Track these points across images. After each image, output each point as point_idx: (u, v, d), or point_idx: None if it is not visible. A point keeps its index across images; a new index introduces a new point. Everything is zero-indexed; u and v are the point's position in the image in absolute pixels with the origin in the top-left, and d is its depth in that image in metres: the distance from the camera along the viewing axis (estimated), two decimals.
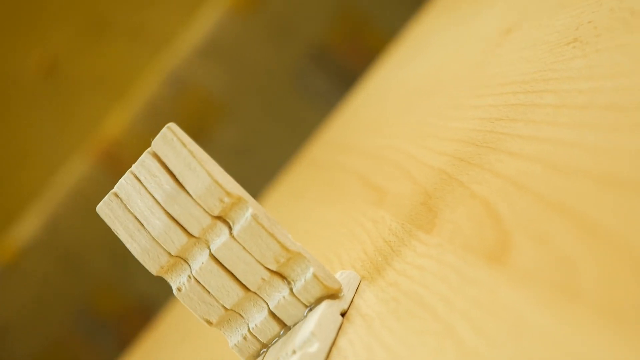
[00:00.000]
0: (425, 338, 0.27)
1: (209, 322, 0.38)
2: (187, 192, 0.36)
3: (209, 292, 0.37)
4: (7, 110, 1.44)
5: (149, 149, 0.36)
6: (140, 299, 1.24)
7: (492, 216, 0.30)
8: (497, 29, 0.48)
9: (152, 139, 0.36)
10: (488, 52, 0.47)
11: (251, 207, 0.36)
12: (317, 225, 0.53)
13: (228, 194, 0.35)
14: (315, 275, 0.35)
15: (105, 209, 0.38)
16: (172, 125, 0.36)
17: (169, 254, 0.37)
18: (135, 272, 1.24)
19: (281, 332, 0.37)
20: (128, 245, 0.38)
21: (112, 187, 1.15)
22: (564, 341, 0.21)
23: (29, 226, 1.26)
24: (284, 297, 0.36)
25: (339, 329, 0.35)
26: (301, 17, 1.25)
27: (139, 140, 1.25)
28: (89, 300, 1.24)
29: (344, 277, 0.37)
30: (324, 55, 1.25)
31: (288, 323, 0.37)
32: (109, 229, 1.15)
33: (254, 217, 0.35)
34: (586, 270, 0.22)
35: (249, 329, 0.38)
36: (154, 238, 0.37)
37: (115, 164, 1.26)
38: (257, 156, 1.19)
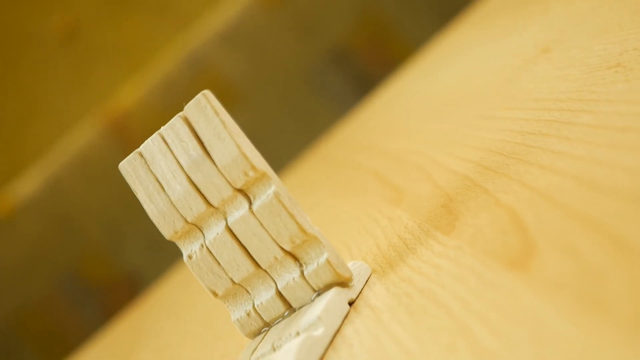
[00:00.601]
0: (437, 335, 0.27)
1: (215, 294, 0.38)
2: (213, 161, 0.36)
3: (219, 264, 0.37)
4: (24, 68, 1.44)
5: (180, 113, 0.36)
6: (129, 272, 1.24)
7: (517, 225, 0.30)
8: (533, 47, 0.48)
9: (185, 104, 0.36)
10: (522, 68, 0.47)
11: (274, 185, 0.36)
12: (326, 217, 0.52)
13: (253, 167, 0.35)
14: (328, 261, 0.35)
15: (128, 167, 0.38)
16: (207, 92, 0.36)
17: (185, 220, 0.37)
18: (127, 245, 1.24)
19: (285, 313, 0.37)
20: (145, 206, 0.38)
21: (117, 157, 1.16)
22: (587, 351, 0.21)
23: (29, 185, 1.26)
24: (293, 278, 0.36)
25: (345, 317, 0.35)
26: (326, 16, 1.25)
27: (149, 115, 1.25)
28: (78, 266, 1.24)
29: (355, 268, 0.37)
30: (344, 56, 1.25)
31: (294, 305, 0.37)
32: (108, 198, 1.16)
33: (276, 194, 0.35)
34: (614, 285, 0.22)
35: (253, 306, 0.37)
36: (172, 202, 0.37)
37: (122, 135, 1.25)
38: (268, 146, 1.19)
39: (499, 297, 0.26)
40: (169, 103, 1.25)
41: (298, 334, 0.34)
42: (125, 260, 1.23)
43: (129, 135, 1.25)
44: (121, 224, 1.24)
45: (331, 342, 0.34)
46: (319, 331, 0.34)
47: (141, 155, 0.38)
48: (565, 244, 0.26)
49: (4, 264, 1.24)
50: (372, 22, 1.25)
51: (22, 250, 1.24)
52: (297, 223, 0.35)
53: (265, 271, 0.37)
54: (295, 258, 0.36)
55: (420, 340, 0.28)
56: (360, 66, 1.25)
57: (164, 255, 1.22)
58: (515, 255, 0.28)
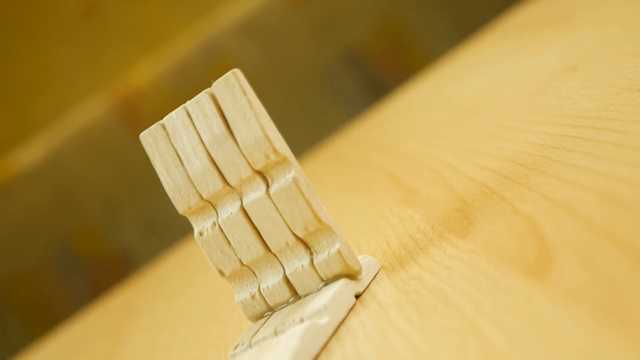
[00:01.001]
0: (447, 333, 0.27)
1: (222, 273, 0.38)
2: (235, 140, 0.36)
3: (229, 244, 0.37)
4: (40, 37, 1.44)
5: (208, 89, 0.36)
6: (122, 251, 1.24)
7: (535, 233, 0.30)
8: (559, 65, 0.48)
9: (213, 81, 0.36)
10: (547, 85, 0.47)
11: (294, 170, 0.36)
12: (335, 212, 0.52)
13: (275, 151, 0.35)
14: (339, 252, 0.35)
15: (149, 137, 0.38)
16: (237, 71, 0.36)
17: (201, 196, 0.37)
18: (123, 224, 1.23)
19: (290, 300, 0.37)
20: (162, 179, 0.38)
21: (123, 136, 1.16)
22: None
23: (32, 153, 1.26)
24: (302, 265, 0.36)
25: (351, 309, 0.35)
26: (346, 18, 1.25)
27: (160, 97, 1.25)
28: (71, 239, 1.24)
29: (364, 262, 0.37)
30: (360, 59, 1.25)
31: (299, 292, 0.37)
32: (109, 175, 1.16)
33: (295, 180, 0.35)
34: (633, 298, 0.22)
35: (259, 289, 0.37)
36: (189, 177, 0.37)
37: (131, 114, 1.25)
38: None
39: (512, 301, 0.26)
40: (180, 87, 1.25)
41: (302, 320, 0.34)
42: (120, 239, 1.23)
43: (137, 115, 1.25)
44: (120, 202, 1.24)
45: (335, 332, 0.34)
46: (324, 320, 0.34)
47: (163, 127, 0.38)
48: (584, 256, 0.26)
49: None
50: (391, 29, 1.25)
51: (18, 217, 1.24)
52: (312, 211, 0.35)
53: (275, 255, 0.37)
54: (307, 245, 0.36)
55: (429, 338, 0.28)
56: (375, 71, 1.25)
57: (159, 238, 1.22)
58: (532, 262, 0.28)
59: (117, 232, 1.24)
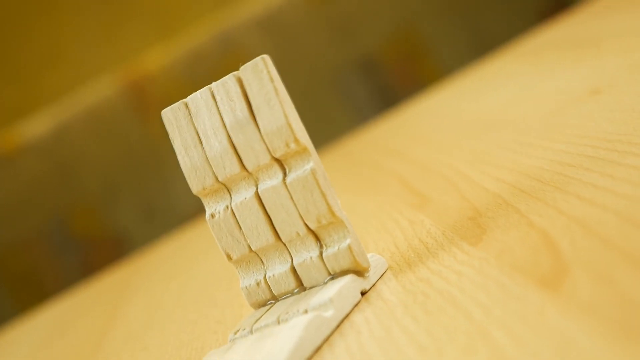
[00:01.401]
0: (454, 335, 0.27)
1: (229, 257, 0.38)
2: (257, 126, 0.36)
3: (240, 228, 0.37)
4: (56, 11, 1.44)
5: (235, 72, 0.36)
6: (117, 233, 1.24)
7: (550, 247, 0.30)
8: (582, 87, 0.49)
9: (242, 65, 0.36)
10: (568, 105, 0.47)
11: (313, 161, 0.36)
12: (343, 210, 0.52)
13: (296, 140, 0.35)
14: (350, 247, 0.35)
15: (171, 115, 0.38)
16: (266, 57, 0.36)
17: (216, 178, 0.37)
18: (121, 206, 1.23)
19: (295, 290, 0.37)
20: (179, 157, 0.38)
21: (130, 118, 1.15)
22: None
23: (37, 127, 1.26)
24: (311, 257, 0.36)
25: (355, 305, 0.35)
26: (364, 24, 1.25)
27: (171, 83, 1.25)
28: (68, 216, 1.23)
29: (372, 260, 0.37)
30: (373, 66, 1.25)
31: (305, 284, 0.37)
32: (112, 156, 1.16)
33: (313, 171, 0.35)
34: None
35: (265, 277, 0.37)
36: (207, 158, 0.37)
37: (140, 97, 1.25)
38: None
39: (524, 310, 0.26)
40: (192, 75, 1.25)
41: (306, 311, 0.34)
42: (116, 221, 1.23)
43: (146, 99, 1.25)
44: (120, 184, 1.24)
45: (338, 326, 0.34)
46: (329, 313, 0.34)
47: (186, 105, 0.38)
48: (600, 272, 0.26)
49: None
50: (407, 39, 1.25)
51: (16, 189, 1.24)
52: (327, 204, 0.35)
53: (285, 245, 0.37)
54: (317, 238, 0.36)
55: (436, 338, 0.28)
56: (387, 79, 1.26)
57: (155, 223, 1.22)
58: (546, 274, 0.28)
59: (113, 213, 1.23)
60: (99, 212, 1.24)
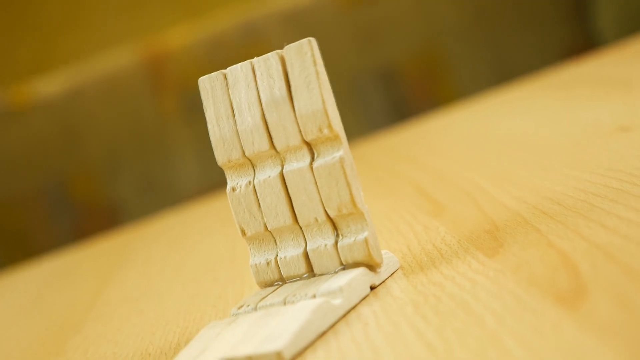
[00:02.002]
0: (465, 339, 0.27)
1: (243, 232, 0.38)
2: (293, 107, 0.36)
3: (259, 206, 0.37)
4: None
5: (278, 50, 0.36)
6: (113, 204, 1.23)
7: (570, 268, 0.30)
8: (610, 122, 0.49)
9: (287, 44, 0.36)
10: (595, 138, 0.47)
11: (343, 150, 0.36)
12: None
13: (330, 126, 0.35)
14: (366, 241, 0.36)
15: (207, 83, 0.38)
16: (312, 40, 0.36)
17: (243, 153, 0.37)
18: (121, 178, 1.23)
19: (304, 275, 0.37)
20: (210, 126, 0.38)
21: (144, 92, 1.15)
22: None
23: (50, 87, 1.25)
24: (326, 245, 0.36)
25: (363, 298, 0.35)
26: (389, 36, 1.25)
27: (189, 63, 1.24)
28: (67, 179, 1.23)
29: (385, 258, 0.37)
30: (392, 78, 1.26)
31: (315, 270, 0.37)
32: (120, 127, 1.16)
33: (341, 159, 0.35)
34: None
35: (276, 257, 0.37)
36: (237, 131, 0.37)
37: (156, 73, 1.25)
38: None
39: (539, 323, 0.27)
40: (211, 59, 1.25)
41: (314, 296, 0.34)
42: (114, 190, 1.23)
43: (162, 75, 1.25)
44: (123, 155, 1.24)
45: (344, 315, 0.34)
46: (337, 301, 0.34)
47: (225, 76, 0.38)
48: (620, 296, 0.26)
49: None
50: (430, 56, 1.25)
51: (21, 145, 1.23)
52: (351, 194, 0.35)
53: (301, 228, 0.37)
54: (335, 226, 0.36)
55: (446, 340, 0.28)
56: (404, 92, 1.26)
57: (153, 199, 1.22)
58: (564, 292, 0.28)
59: (113, 183, 1.23)
60: (99, 179, 1.23)
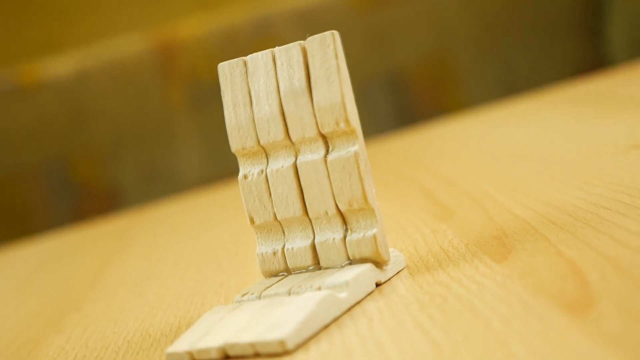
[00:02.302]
0: (471, 340, 0.27)
1: (252, 221, 0.38)
2: (311, 99, 0.36)
3: (270, 195, 0.37)
4: None
5: (301, 41, 0.36)
6: (114, 188, 1.23)
7: (579, 277, 0.30)
8: (623, 140, 0.49)
9: (309, 35, 0.36)
10: (607, 154, 0.47)
11: (358, 145, 0.36)
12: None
13: (347, 120, 0.35)
14: (375, 237, 0.36)
15: (227, 69, 0.38)
16: (336, 33, 0.36)
17: (258, 141, 0.37)
18: (124, 163, 1.23)
19: (310, 267, 0.37)
20: (226, 112, 0.38)
21: (152, 79, 1.15)
22: None
23: (60, 67, 1.25)
24: (334, 239, 0.36)
25: (368, 294, 0.35)
26: (400, 42, 1.25)
27: (199, 54, 1.24)
28: (69, 159, 1.23)
29: (392, 256, 0.37)
30: (400, 84, 1.26)
31: (322, 263, 0.37)
32: (127, 113, 1.16)
33: (356, 154, 0.35)
34: None
35: (283, 248, 0.37)
36: (253, 119, 0.37)
37: (166, 61, 1.25)
38: None
39: (546, 329, 0.27)
40: (222, 51, 1.25)
41: (320, 289, 0.34)
42: (115, 175, 1.23)
43: (172, 64, 1.25)
44: (127, 141, 1.24)
45: (349, 310, 0.34)
46: (343, 294, 0.34)
47: (245, 63, 0.38)
48: (629, 308, 0.26)
49: (1, 129, 1.23)
50: (439, 64, 1.25)
51: (26, 123, 1.23)
52: (363, 189, 0.35)
53: (310, 221, 0.37)
54: (345, 221, 0.36)
55: (452, 339, 0.28)
56: (411, 98, 1.26)
57: (153, 187, 1.22)
58: (572, 301, 0.28)
59: (114, 167, 1.23)
60: (101, 162, 1.23)
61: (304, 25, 1.27)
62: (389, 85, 1.26)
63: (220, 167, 1.19)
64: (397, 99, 1.26)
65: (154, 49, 1.26)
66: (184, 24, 1.29)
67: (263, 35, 1.27)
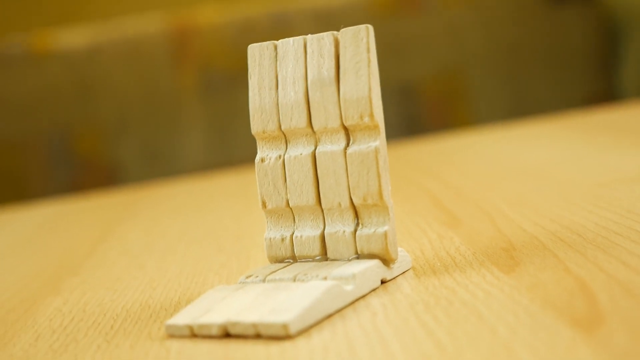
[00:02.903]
0: (477, 344, 0.27)
1: (264, 204, 0.38)
2: (338, 90, 0.36)
3: (285, 181, 0.37)
4: None
5: (334, 32, 0.37)
6: (114, 163, 1.23)
7: (587, 295, 0.30)
8: (635, 169, 0.49)
9: (343, 27, 0.36)
10: (619, 182, 0.47)
11: (380, 141, 0.36)
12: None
13: (371, 115, 0.35)
14: (386, 234, 0.36)
15: (256, 51, 0.38)
16: (370, 27, 0.36)
17: (280, 126, 0.37)
18: (126, 142, 1.23)
19: (317, 257, 0.37)
20: (250, 94, 0.38)
21: (164, 62, 1.15)
22: None
23: (73, 39, 1.25)
24: (344, 231, 0.36)
25: (373, 290, 0.35)
26: (414, 54, 1.26)
27: (214, 42, 1.24)
28: (72, 131, 1.23)
29: (400, 255, 0.37)
30: (410, 95, 1.26)
31: (329, 254, 0.37)
32: (134, 91, 1.15)
33: (376, 150, 0.35)
34: None
35: (292, 235, 0.37)
36: (277, 104, 0.37)
37: (180, 46, 1.25)
38: None
39: (553, 341, 0.27)
40: (237, 42, 1.25)
41: (326, 279, 0.34)
42: (116, 152, 1.23)
43: (186, 49, 1.25)
44: (132, 120, 1.24)
45: (352, 303, 0.34)
46: (349, 287, 0.34)
47: (275, 47, 0.38)
48: (637, 329, 0.26)
49: (8, 95, 1.23)
50: (451, 79, 1.26)
51: (34, 91, 1.23)
52: (379, 185, 0.35)
53: (322, 211, 0.37)
54: (357, 215, 0.36)
55: (457, 341, 0.28)
56: (419, 110, 1.26)
57: (153, 168, 1.22)
58: (580, 317, 0.28)
59: (116, 144, 1.23)
60: (103, 138, 1.23)
61: (321, 26, 1.27)
62: (399, 94, 1.26)
63: (224, 156, 1.19)
64: (405, 109, 1.26)
65: (169, 31, 1.26)
66: (202, 11, 1.28)
67: (279, 31, 1.27)
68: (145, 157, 1.23)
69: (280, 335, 0.31)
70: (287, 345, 0.30)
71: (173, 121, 1.24)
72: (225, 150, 1.20)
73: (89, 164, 1.23)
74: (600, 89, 1.22)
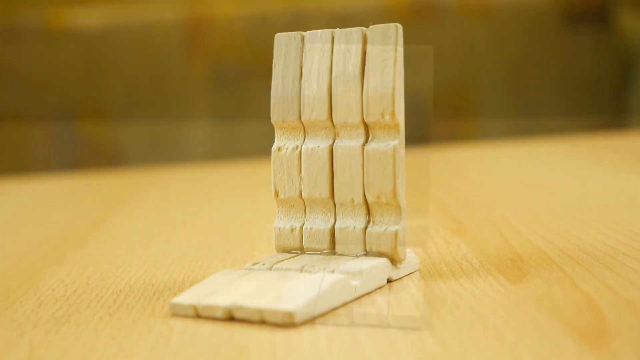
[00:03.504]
0: (483, 349, 0.27)
1: (277, 194, 0.38)
2: (362, 86, 0.36)
3: (299, 172, 0.37)
4: None
5: (363, 28, 0.37)
6: (115, 147, 1.23)
7: (594, 310, 0.30)
8: None
9: (372, 24, 0.37)
10: (628, 204, 0.48)
11: (399, 140, 0.36)
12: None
13: (392, 114, 0.35)
14: (396, 234, 0.36)
15: (283, 40, 0.38)
16: (399, 26, 0.36)
17: (300, 117, 0.37)
18: (132, 126, 1.23)
19: (325, 251, 0.37)
20: (273, 82, 0.38)
21: (176, 50, 1.14)
22: None
23: (88, 19, 1.25)
24: (355, 227, 0.36)
25: (379, 288, 0.35)
26: (435, 66, 1.26)
27: (228, 35, 1.24)
28: (78, 110, 1.23)
29: (407, 256, 0.37)
30: (419, 104, 1.26)
31: (337, 249, 0.37)
32: (144, 80, 1.15)
33: (395, 149, 0.36)
34: None
35: (302, 226, 0.37)
36: (299, 95, 0.37)
37: (194, 36, 1.25)
38: None
39: (559, 351, 0.27)
40: (250, 37, 1.25)
41: (333, 272, 0.34)
42: (120, 136, 1.23)
43: (199, 40, 1.25)
44: (139, 106, 1.24)
45: (358, 298, 0.34)
46: (356, 282, 0.34)
47: (302, 38, 0.38)
48: None
49: (20, 68, 1.23)
50: (460, 92, 1.26)
51: (44, 67, 1.23)
52: (394, 185, 0.35)
53: (335, 205, 0.37)
54: (369, 212, 0.36)
55: (463, 344, 0.28)
56: (425, 119, 1.26)
57: (156, 156, 1.22)
58: (588, 332, 0.28)
59: (121, 128, 1.23)
60: (109, 120, 1.23)
61: (335, 28, 1.27)
62: (406, 102, 1.26)
63: (230, 150, 1.19)
64: (411, 117, 1.26)
65: (185, 20, 1.26)
66: (218, 3, 1.29)
67: (293, 29, 1.26)
68: (148, 143, 1.23)
69: (284, 323, 0.31)
70: (291, 333, 0.30)
71: (180, 110, 1.24)
72: (231, 145, 1.20)
73: (92, 144, 1.23)
74: (608, 117, 1.22)
